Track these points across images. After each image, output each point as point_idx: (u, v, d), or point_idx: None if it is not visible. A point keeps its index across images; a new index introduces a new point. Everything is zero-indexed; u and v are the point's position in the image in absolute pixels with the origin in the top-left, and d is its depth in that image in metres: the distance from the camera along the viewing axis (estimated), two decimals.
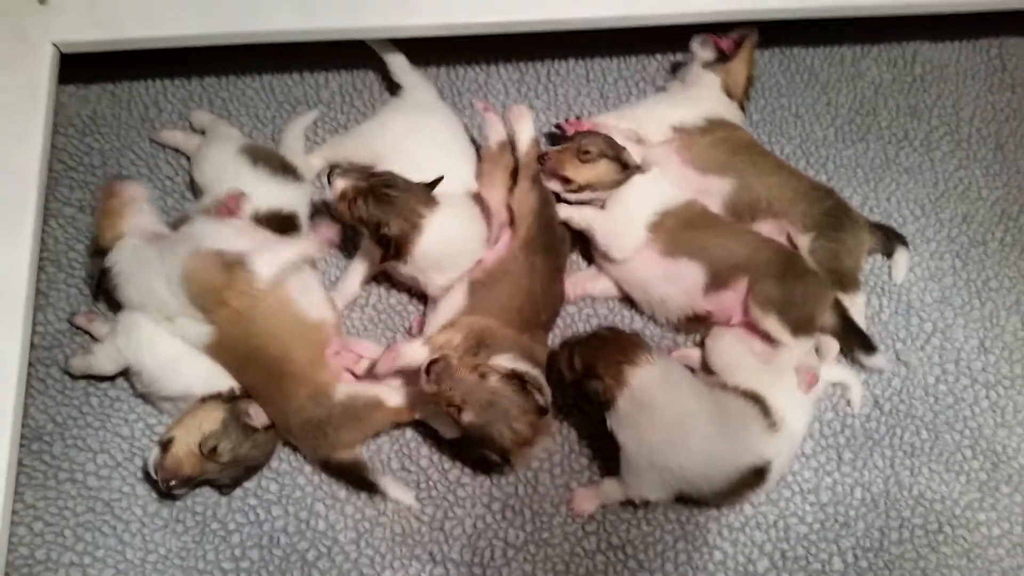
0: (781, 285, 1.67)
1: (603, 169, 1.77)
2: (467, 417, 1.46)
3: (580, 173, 1.77)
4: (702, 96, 1.93)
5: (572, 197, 1.81)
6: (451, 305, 1.69)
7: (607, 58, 2.13)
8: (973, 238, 1.97)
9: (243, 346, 1.62)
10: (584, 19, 1.87)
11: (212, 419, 1.59)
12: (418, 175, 1.73)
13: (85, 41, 1.82)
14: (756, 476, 1.60)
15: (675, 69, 2.11)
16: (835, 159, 2.05)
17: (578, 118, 1.96)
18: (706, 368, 1.74)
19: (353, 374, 1.68)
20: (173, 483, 1.59)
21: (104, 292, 1.72)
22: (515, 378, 1.49)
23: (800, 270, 1.72)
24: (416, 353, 1.57)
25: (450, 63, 2.09)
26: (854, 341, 1.77)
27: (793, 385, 1.68)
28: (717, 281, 1.72)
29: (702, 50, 1.95)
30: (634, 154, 1.81)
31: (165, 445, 1.59)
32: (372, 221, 1.64)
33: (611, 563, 1.66)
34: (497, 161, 1.82)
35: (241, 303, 1.59)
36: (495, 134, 1.83)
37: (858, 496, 1.73)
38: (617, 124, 1.89)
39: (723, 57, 1.94)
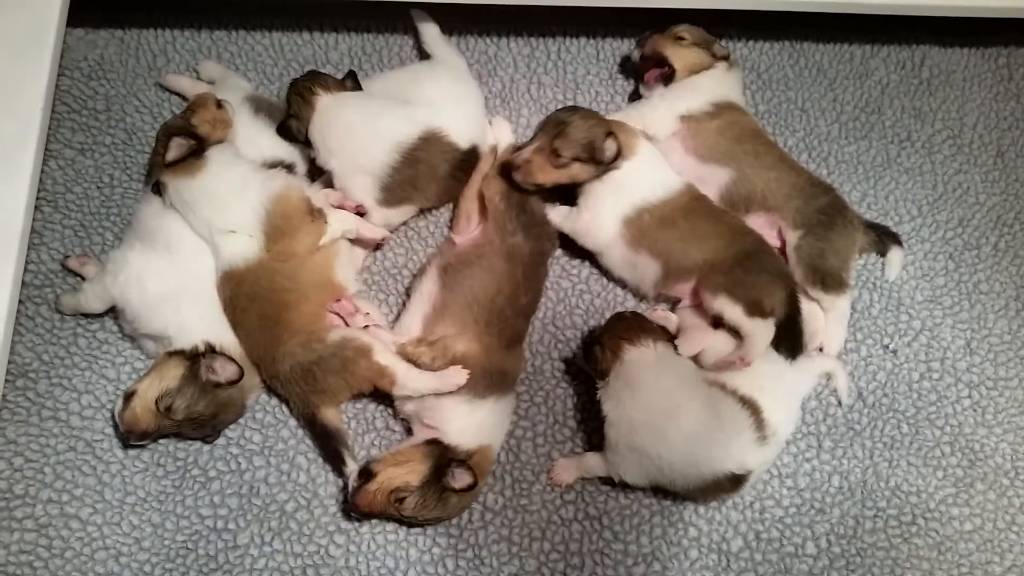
0: (730, 274, 1.69)
1: (576, 171, 1.73)
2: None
3: (552, 177, 1.73)
4: (696, 86, 1.91)
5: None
6: (424, 293, 1.70)
7: (618, 39, 2.13)
8: (967, 241, 1.99)
9: (266, 283, 1.64)
10: None
11: (172, 376, 1.59)
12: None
13: None
14: (733, 482, 1.61)
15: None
16: (837, 155, 2.06)
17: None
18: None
19: (345, 323, 1.69)
20: (131, 436, 1.60)
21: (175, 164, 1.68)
22: (429, 485, 1.55)
23: (753, 266, 1.70)
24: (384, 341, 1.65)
25: (461, 33, 2.09)
26: (786, 341, 1.73)
27: (789, 396, 1.70)
28: (669, 278, 1.77)
29: (653, 88, 1.94)
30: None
31: (127, 397, 1.60)
32: (286, 104, 1.78)
33: (587, 532, 1.67)
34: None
35: (306, 246, 1.66)
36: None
37: (835, 484, 1.75)
38: (623, 120, 1.87)
39: (670, 76, 1.93)
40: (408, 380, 1.61)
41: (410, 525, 1.65)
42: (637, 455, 1.58)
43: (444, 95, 1.80)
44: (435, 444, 1.59)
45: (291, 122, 1.76)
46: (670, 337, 1.67)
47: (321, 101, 1.74)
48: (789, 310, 1.72)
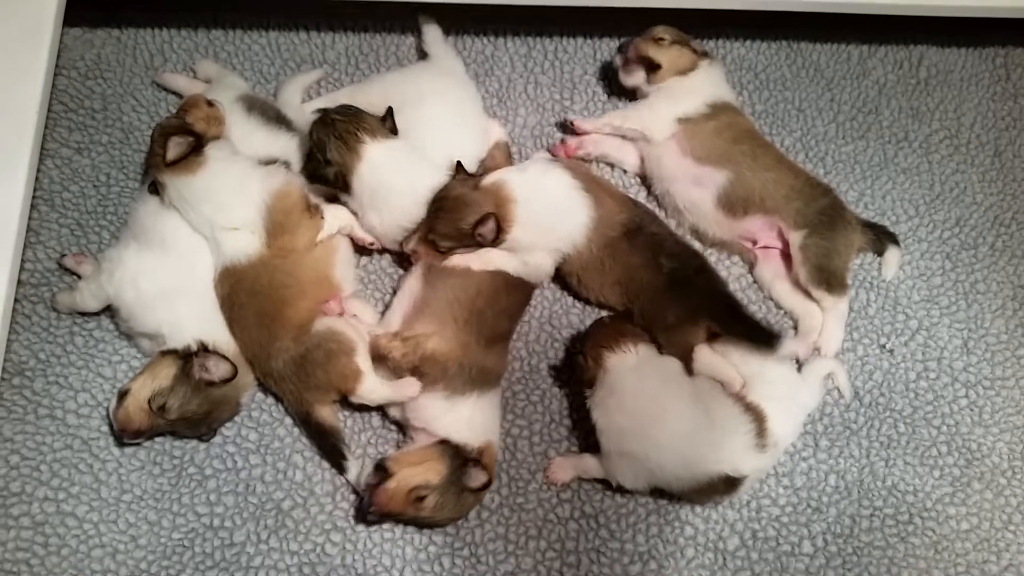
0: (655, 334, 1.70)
1: (465, 250, 1.67)
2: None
3: (444, 258, 1.68)
4: (690, 87, 1.90)
5: None
6: (408, 291, 1.70)
7: (615, 38, 2.12)
8: (965, 241, 1.99)
9: (266, 279, 1.65)
10: None
11: (165, 375, 1.60)
12: (427, 137, 1.78)
13: None
14: (728, 485, 1.61)
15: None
16: (834, 155, 2.05)
17: (572, 123, 1.92)
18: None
19: None
20: (124, 435, 1.60)
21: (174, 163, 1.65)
22: (449, 484, 1.55)
23: (659, 326, 1.69)
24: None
25: (458, 33, 2.09)
26: (754, 338, 1.70)
27: (797, 409, 1.70)
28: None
29: (633, 78, 1.92)
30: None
31: (121, 396, 1.60)
32: (320, 146, 1.68)
33: (583, 531, 1.67)
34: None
35: (304, 242, 1.67)
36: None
37: (832, 483, 1.74)
38: (622, 125, 1.89)
39: (653, 66, 1.90)
40: (367, 392, 1.63)
41: (419, 526, 1.64)
42: (629, 460, 1.58)
43: (454, 119, 1.82)
44: (446, 444, 1.59)
45: (328, 170, 1.68)
46: (652, 338, 1.67)
47: (370, 151, 1.67)
48: (727, 321, 1.69)
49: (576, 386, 1.72)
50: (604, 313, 1.81)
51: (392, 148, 1.69)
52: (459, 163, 1.71)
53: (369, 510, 1.53)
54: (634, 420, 1.56)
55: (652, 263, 1.71)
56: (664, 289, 1.70)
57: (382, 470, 1.54)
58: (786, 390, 1.69)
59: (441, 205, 1.64)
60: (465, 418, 1.62)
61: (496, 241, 1.65)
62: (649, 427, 1.56)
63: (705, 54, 1.94)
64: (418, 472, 1.54)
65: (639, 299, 1.71)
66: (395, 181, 1.69)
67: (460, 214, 1.63)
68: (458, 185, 1.66)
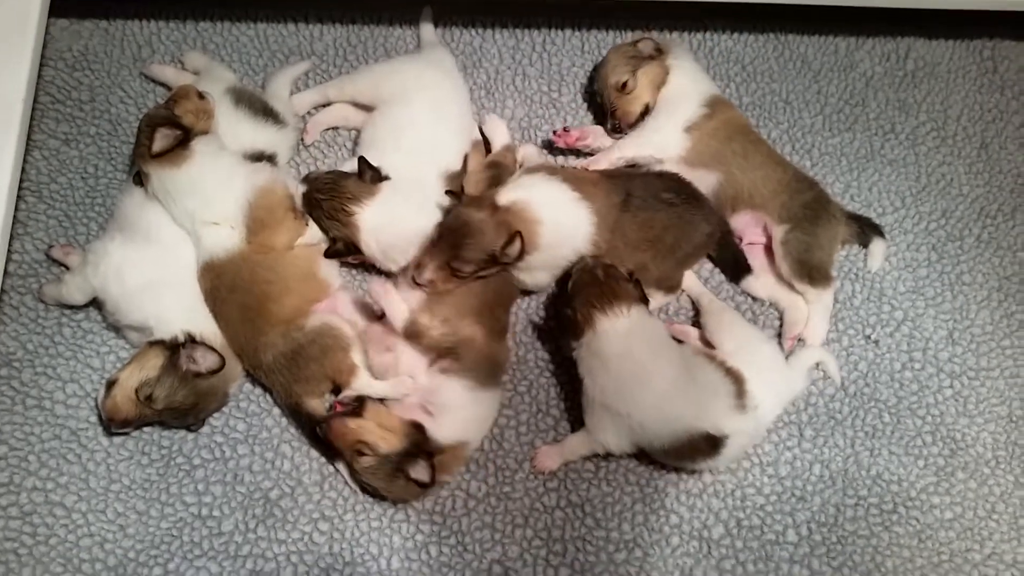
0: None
1: (483, 274, 1.66)
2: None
3: (460, 283, 1.66)
4: (679, 93, 1.89)
5: None
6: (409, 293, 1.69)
7: (603, 31, 2.13)
8: (951, 233, 2.00)
9: (248, 275, 1.65)
10: None
11: (151, 366, 1.60)
12: (409, 131, 1.78)
13: None
14: (709, 444, 1.60)
15: None
16: (821, 147, 2.06)
17: (566, 130, 1.90)
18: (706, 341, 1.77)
19: None
20: (112, 424, 1.61)
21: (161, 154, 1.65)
22: (391, 461, 1.56)
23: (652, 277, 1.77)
24: (397, 312, 1.62)
25: (446, 24, 2.09)
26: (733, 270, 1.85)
27: (780, 382, 1.72)
28: None
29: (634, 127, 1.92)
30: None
31: (109, 386, 1.61)
32: (321, 225, 1.71)
33: (569, 519, 1.68)
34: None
35: (284, 241, 1.68)
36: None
37: (816, 472, 1.75)
38: (636, 155, 1.87)
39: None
40: (362, 386, 1.64)
41: (355, 478, 1.65)
42: (611, 416, 1.59)
43: (439, 114, 1.82)
44: (418, 429, 1.59)
45: (339, 246, 1.70)
46: (643, 297, 1.64)
47: (364, 220, 1.67)
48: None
49: (568, 366, 1.70)
50: None
51: (384, 203, 1.68)
52: (451, 192, 1.71)
53: (322, 428, 1.59)
54: (619, 381, 1.57)
55: (662, 208, 1.74)
56: (689, 213, 1.76)
57: (356, 404, 1.59)
58: (769, 361, 1.71)
59: (464, 232, 1.61)
60: (475, 416, 1.65)
61: (516, 260, 1.64)
62: (634, 388, 1.57)
63: (659, 50, 1.90)
64: (378, 434, 1.56)
65: (664, 239, 1.74)
66: (400, 232, 1.69)
67: (487, 237, 1.60)
68: (473, 209, 1.63)
